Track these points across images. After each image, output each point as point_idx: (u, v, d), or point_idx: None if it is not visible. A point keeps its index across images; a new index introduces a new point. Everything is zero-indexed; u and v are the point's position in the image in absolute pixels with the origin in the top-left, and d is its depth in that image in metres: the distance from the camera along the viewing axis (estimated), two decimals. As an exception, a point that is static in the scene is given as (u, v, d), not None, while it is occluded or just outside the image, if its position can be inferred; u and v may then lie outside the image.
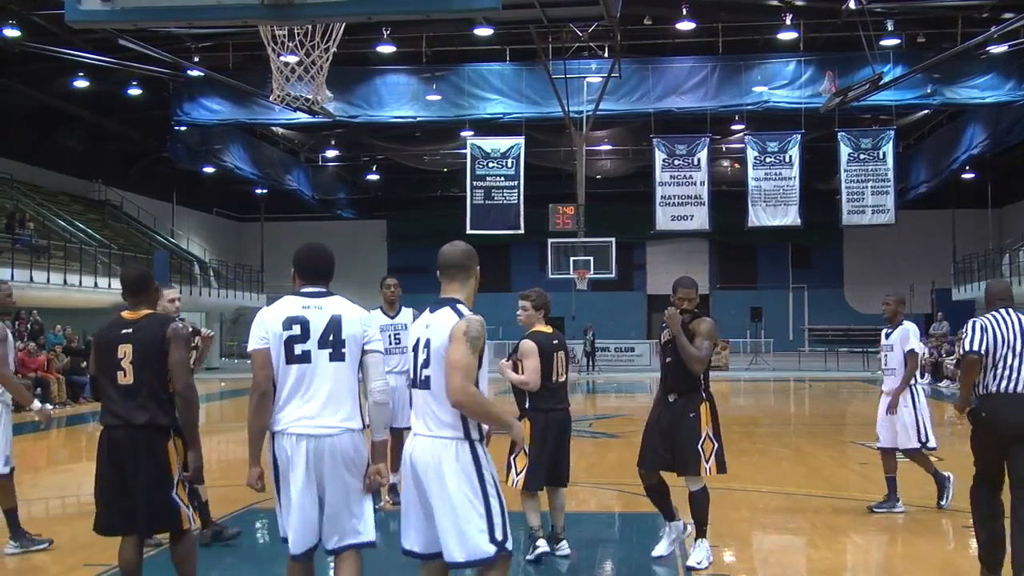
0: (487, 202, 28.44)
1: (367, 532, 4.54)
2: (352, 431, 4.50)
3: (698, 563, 6.37)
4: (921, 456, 8.37)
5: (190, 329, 6.82)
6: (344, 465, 4.46)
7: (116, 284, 27.66)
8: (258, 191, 42.13)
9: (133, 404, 5.02)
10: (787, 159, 28.25)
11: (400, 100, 28.94)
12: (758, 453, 12.74)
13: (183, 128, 30.57)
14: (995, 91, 27.00)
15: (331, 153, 39.80)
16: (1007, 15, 22.73)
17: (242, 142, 34.39)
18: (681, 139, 29.05)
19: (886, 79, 23.84)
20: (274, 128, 34.01)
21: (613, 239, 29.11)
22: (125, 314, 5.26)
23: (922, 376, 26.83)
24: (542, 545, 6.55)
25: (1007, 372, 5.72)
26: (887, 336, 8.44)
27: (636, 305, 44.51)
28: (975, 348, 5.77)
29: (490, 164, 28.47)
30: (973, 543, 6.08)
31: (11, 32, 23.33)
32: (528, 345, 6.47)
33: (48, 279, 24.62)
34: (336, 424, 4.46)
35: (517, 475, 6.48)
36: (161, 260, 28.62)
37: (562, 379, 6.74)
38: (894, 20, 25.02)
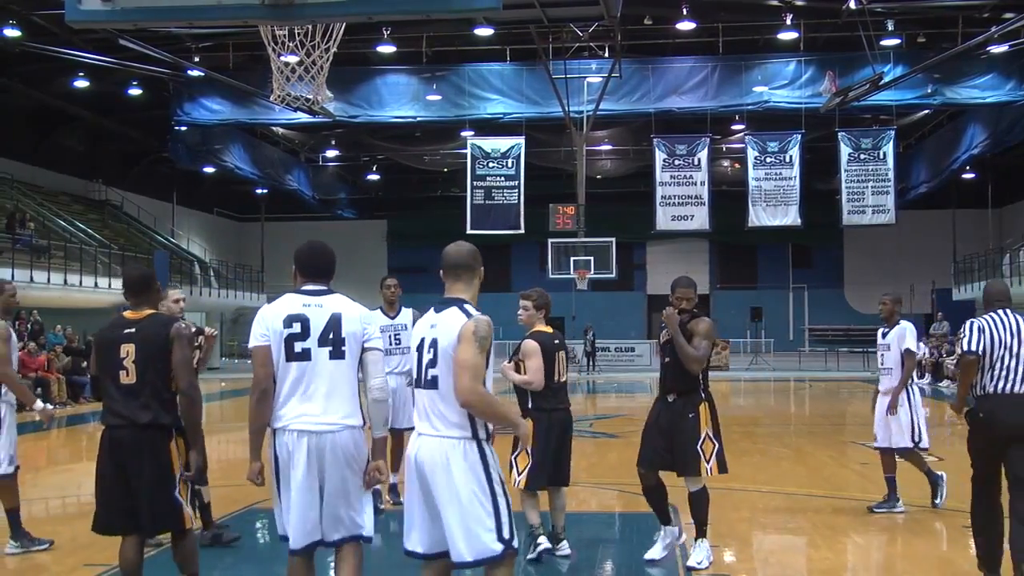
0: (487, 202, 28.44)
1: (366, 526, 4.58)
2: (352, 428, 4.53)
3: (698, 563, 6.37)
4: (914, 455, 8.37)
5: (193, 329, 6.84)
6: (345, 461, 4.48)
7: (116, 284, 27.71)
8: (258, 191, 42.13)
9: (136, 404, 5.03)
10: (787, 159, 28.25)
11: (400, 100, 28.94)
12: (758, 453, 12.74)
13: (183, 128, 30.57)
14: (995, 91, 27.00)
15: (331, 153, 39.81)
16: (1007, 15, 22.72)
17: (242, 142, 34.40)
18: (681, 139, 29.05)
19: (886, 79, 23.84)
20: (274, 128, 34.02)
21: (613, 239, 29.11)
22: (127, 314, 5.26)
23: (922, 376, 26.77)
24: (543, 542, 6.56)
25: (1004, 373, 5.74)
26: (884, 336, 8.45)
27: (636, 305, 44.52)
28: (972, 349, 5.80)
29: (490, 164, 28.47)
30: (972, 543, 6.09)
31: (11, 32, 23.33)
32: (531, 345, 6.47)
33: (48, 279, 24.62)
34: (337, 421, 4.48)
35: (519, 475, 6.49)
36: (161, 260, 28.61)
37: (563, 379, 6.77)
38: (894, 20, 25.01)
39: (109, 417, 5.10)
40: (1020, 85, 26.58)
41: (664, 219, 28.79)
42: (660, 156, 28.61)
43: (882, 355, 8.43)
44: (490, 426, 4.27)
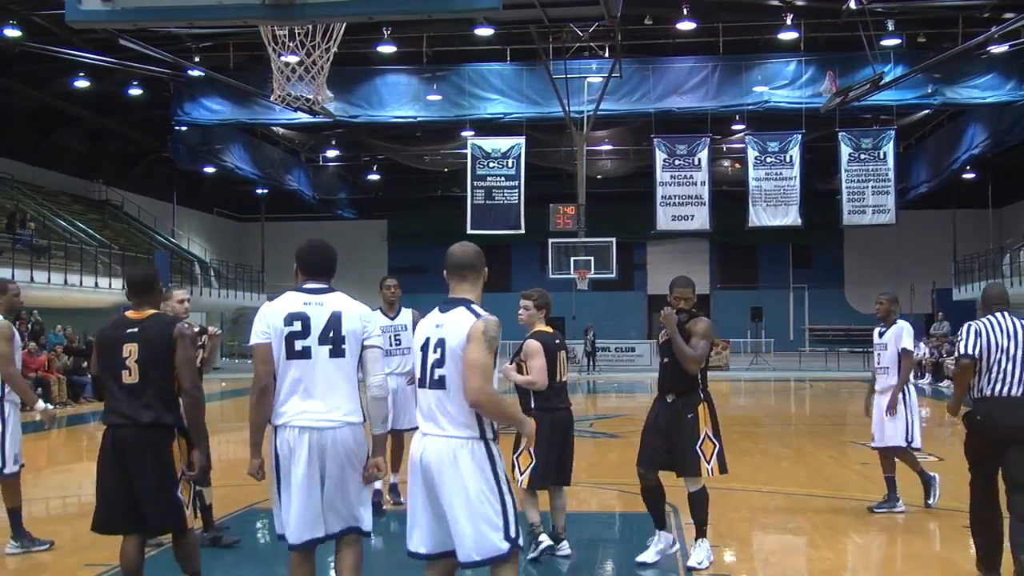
0: (488, 202, 28.44)
1: (365, 520, 4.63)
2: (353, 424, 4.57)
3: (699, 563, 6.37)
4: (907, 454, 8.36)
5: (196, 329, 6.85)
6: (346, 456, 4.53)
7: (116, 284, 27.74)
8: (259, 191, 42.14)
9: (138, 403, 5.03)
10: (788, 159, 28.24)
11: (401, 100, 28.94)
12: (759, 453, 12.74)
13: (184, 128, 30.56)
14: (996, 91, 26.99)
15: (332, 153, 39.81)
16: (1008, 15, 22.72)
17: (243, 142, 34.39)
18: (682, 139, 29.04)
19: (887, 79, 23.84)
20: (275, 128, 34.01)
21: (614, 239, 29.12)
22: (130, 314, 5.27)
23: (922, 376, 26.78)
24: (545, 539, 6.57)
25: (1001, 376, 5.78)
26: (880, 335, 8.46)
27: (636, 305, 44.51)
28: (968, 352, 5.85)
29: (491, 164, 28.47)
30: (972, 543, 6.11)
31: (11, 32, 23.32)
32: (533, 345, 6.47)
33: (49, 279, 24.62)
34: (338, 418, 4.53)
35: (521, 474, 6.49)
36: (161, 260, 28.63)
37: (564, 378, 6.79)
38: (895, 20, 25.00)
39: (111, 416, 5.11)
40: (1020, 85, 26.57)
41: (664, 219, 28.79)
42: (660, 156, 28.60)
43: (879, 354, 8.44)
44: (496, 426, 4.29)
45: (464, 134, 30.44)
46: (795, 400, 24.77)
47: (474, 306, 4.29)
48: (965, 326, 6.02)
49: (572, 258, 28.63)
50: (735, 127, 31.83)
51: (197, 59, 26.30)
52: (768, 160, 28.40)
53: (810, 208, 29.25)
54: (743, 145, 29.91)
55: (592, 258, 28.61)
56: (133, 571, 5.15)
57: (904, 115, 30.70)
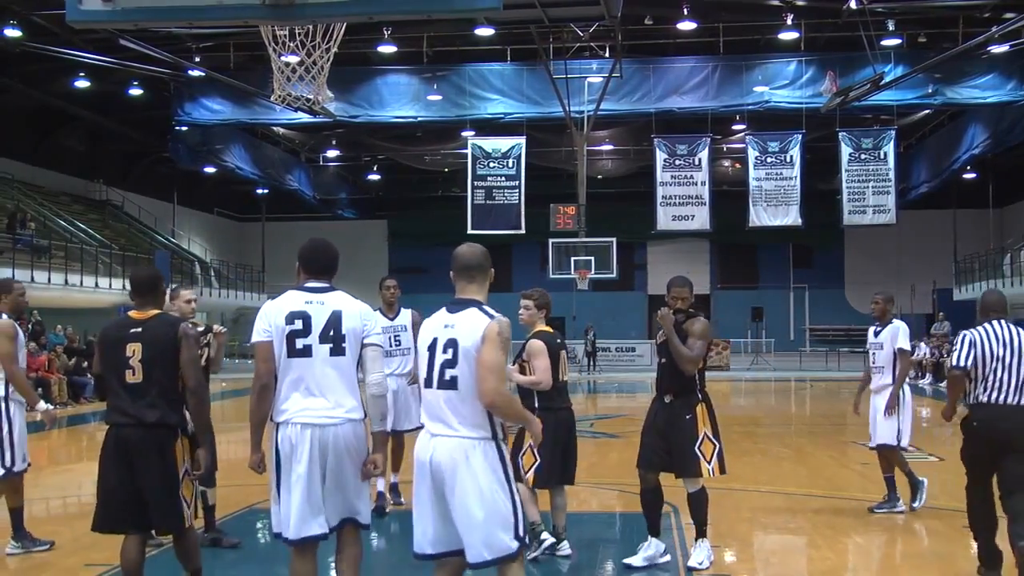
0: (488, 202, 28.44)
1: (364, 513, 4.68)
2: (354, 421, 4.61)
3: (699, 563, 6.36)
4: (896, 454, 8.36)
5: (201, 328, 6.88)
6: (347, 452, 4.57)
7: (117, 284, 27.76)
8: (259, 191, 42.13)
9: (142, 403, 5.04)
10: (788, 159, 28.23)
11: (401, 100, 28.93)
12: (759, 453, 12.74)
13: (184, 128, 30.57)
14: (996, 91, 26.97)
15: (332, 153, 39.79)
16: (1008, 15, 22.70)
17: (243, 142, 34.39)
18: (682, 139, 29.03)
19: (887, 79, 23.82)
20: (275, 128, 33.99)
21: (614, 239, 29.13)
22: (133, 314, 5.28)
23: (923, 376, 26.77)
24: (548, 537, 6.58)
25: (997, 384, 5.85)
26: (876, 334, 8.44)
27: (637, 305, 44.48)
28: (960, 364, 5.94)
29: (491, 164, 28.46)
30: (972, 543, 6.13)
31: (12, 32, 23.32)
32: (537, 345, 6.47)
33: (49, 279, 24.64)
34: (340, 415, 4.56)
35: (525, 473, 6.49)
36: (162, 260, 28.64)
37: (565, 378, 6.80)
38: (895, 20, 24.99)
39: (115, 416, 5.12)
40: (1021, 85, 26.55)
41: (665, 219, 28.78)
42: (661, 156, 28.59)
43: (874, 354, 8.43)
44: (505, 425, 4.30)
45: (464, 134, 30.44)
46: (795, 400, 24.78)
47: (486, 307, 4.30)
48: (961, 335, 6.09)
49: (572, 258, 28.63)
50: (735, 127, 31.81)
51: (197, 59, 26.29)
52: (768, 160, 28.39)
53: (810, 208, 29.23)
54: (743, 145, 29.89)
55: (592, 258, 28.62)
56: (134, 571, 5.15)
57: (904, 115, 30.68)
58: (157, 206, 39.27)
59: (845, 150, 28.31)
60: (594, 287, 31.16)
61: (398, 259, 45.32)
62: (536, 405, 6.48)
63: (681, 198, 28.55)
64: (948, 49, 24.46)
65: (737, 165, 35.60)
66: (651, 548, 6.52)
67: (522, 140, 28.61)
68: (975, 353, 5.88)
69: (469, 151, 28.79)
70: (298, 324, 4.58)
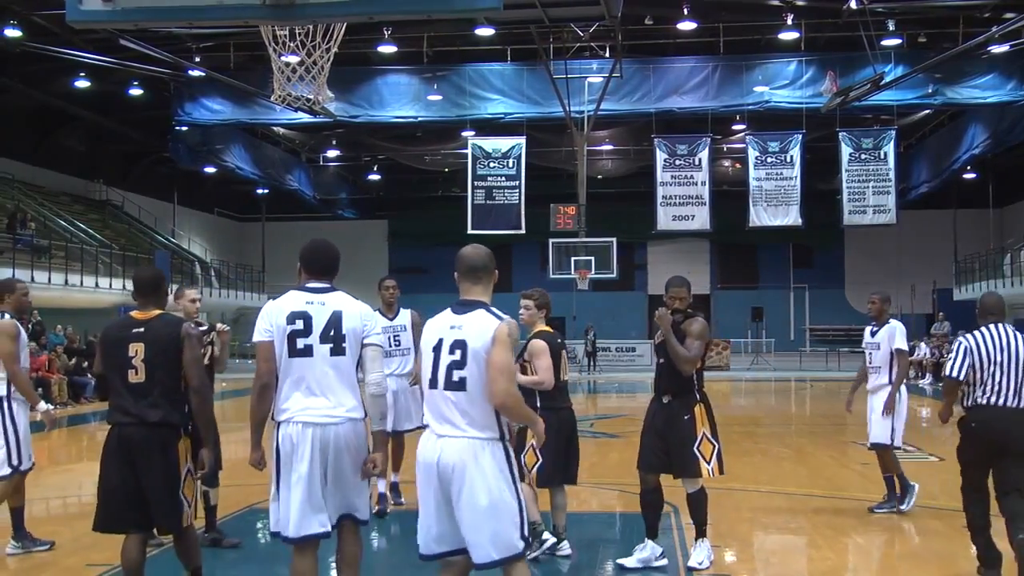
0: (488, 202, 28.43)
1: (362, 510, 4.73)
2: (355, 420, 4.65)
3: (699, 563, 6.36)
4: (889, 454, 8.35)
5: (205, 327, 6.91)
6: (347, 451, 4.61)
7: (117, 284, 27.77)
8: (259, 191, 42.14)
9: (145, 402, 5.06)
10: (788, 159, 28.23)
11: (401, 100, 28.93)
12: (759, 453, 12.74)
13: (184, 128, 30.58)
14: (996, 91, 26.97)
15: (332, 153, 39.80)
16: (1008, 15, 22.70)
17: (243, 142, 34.39)
18: (682, 139, 29.03)
19: (887, 79, 23.81)
20: (275, 128, 34.00)
21: (614, 239, 29.14)
22: (135, 314, 5.29)
23: (923, 376, 26.73)
24: (549, 537, 6.58)
25: (995, 387, 5.92)
26: (873, 334, 8.45)
27: (637, 305, 44.48)
28: (954, 375, 6.03)
29: (491, 164, 28.46)
30: (972, 544, 6.14)
31: (12, 32, 23.32)
32: (539, 345, 6.47)
33: (49, 279, 24.63)
34: (341, 414, 4.60)
35: (528, 473, 6.49)
36: (162, 260, 28.63)
37: (566, 378, 6.82)
38: (895, 20, 24.99)
39: (117, 415, 5.12)
40: (1021, 85, 26.55)
41: (665, 219, 28.78)
42: (661, 156, 28.59)
43: (870, 353, 8.43)
44: (513, 426, 4.31)
45: (465, 134, 30.44)
46: (796, 400, 24.77)
47: (493, 309, 4.32)
48: (957, 342, 6.17)
49: (573, 258, 28.64)
50: (736, 127, 31.82)
51: (197, 59, 26.29)
52: (769, 160, 28.38)
53: (811, 208, 29.24)
54: (744, 145, 29.89)
55: (593, 258, 28.63)
56: (134, 570, 5.16)
57: (905, 115, 30.68)
58: (157, 206, 39.27)
59: (845, 150, 28.31)
60: (594, 287, 31.16)
61: (398, 259, 45.33)
62: (538, 405, 6.48)
63: (681, 198, 28.55)
64: (948, 49, 24.46)
65: (737, 165, 35.60)
66: (647, 550, 6.50)
67: (522, 140, 28.61)
68: (971, 360, 5.95)
69: (469, 151, 28.79)
70: (299, 324, 4.62)
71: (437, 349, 4.29)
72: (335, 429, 4.57)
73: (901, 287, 36.92)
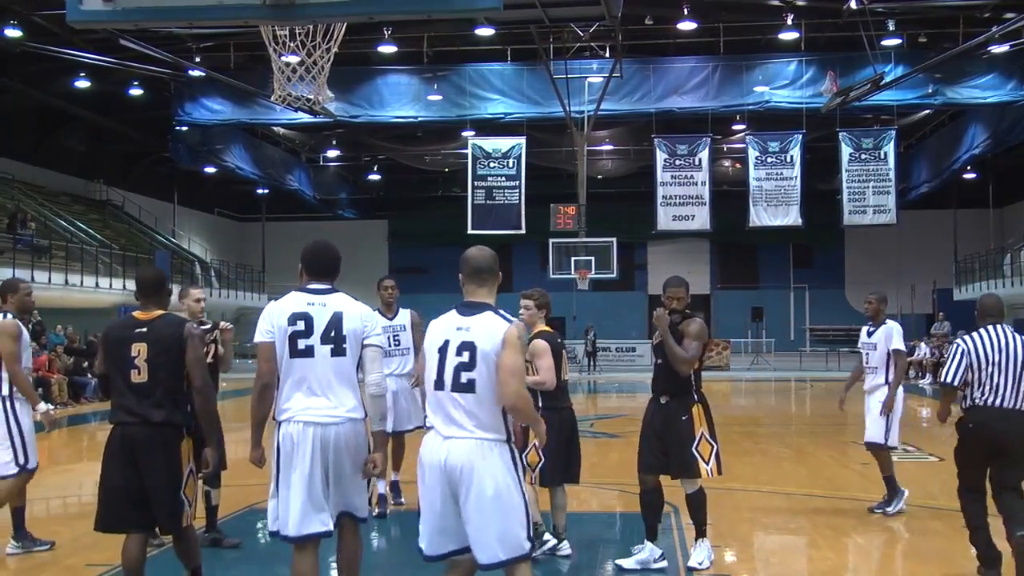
0: (488, 202, 28.43)
1: (360, 508, 4.78)
2: (355, 420, 4.69)
3: (699, 563, 6.36)
4: (882, 454, 8.34)
5: (208, 325, 6.93)
6: (347, 450, 4.64)
7: (117, 284, 27.77)
8: (259, 191, 42.13)
9: (148, 402, 5.07)
10: (788, 159, 28.23)
11: (401, 100, 28.93)
12: (759, 453, 12.74)
13: (184, 128, 30.58)
14: (996, 91, 26.97)
15: (332, 153, 39.80)
16: (1008, 15, 22.70)
17: (243, 142, 34.39)
18: (682, 139, 29.03)
19: (887, 79, 23.81)
20: (275, 128, 34.00)
21: (614, 239, 29.15)
22: (137, 314, 5.31)
23: (923, 376, 26.66)
24: (549, 538, 6.58)
25: (992, 387, 5.97)
26: (869, 335, 8.45)
27: (637, 305, 44.49)
28: (949, 381, 6.09)
29: (491, 164, 28.46)
30: (971, 544, 6.16)
31: (12, 32, 23.33)
32: (541, 345, 6.47)
33: (49, 279, 24.63)
34: (341, 414, 4.64)
35: (532, 472, 6.49)
36: (162, 260, 28.63)
37: (566, 377, 6.83)
38: (895, 20, 24.99)
39: (121, 414, 5.13)
40: (1021, 85, 26.55)
41: (665, 219, 28.77)
42: (661, 156, 28.59)
43: (867, 354, 8.44)
44: (519, 427, 4.33)
45: (465, 134, 30.44)
46: (796, 400, 24.77)
47: (501, 311, 4.33)
48: (954, 345, 6.23)
49: (573, 258, 28.65)
50: (736, 127, 31.82)
51: (198, 59, 26.29)
52: (769, 160, 28.38)
53: (811, 208, 29.24)
54: (744, 145, 29.89)
55: (593, 258, 28.64)
56: (135, 570, 5.17)
57: (905, 115, 30.68)
58: (157, 206, 39.27)
59: (845, 150, 28.30)
60: (594, 287, 31.16)
61: (398, 259, 45.32)
62: (539, 405, 6.49)
63: (681, 198, 28.54)
64: (948, 49, 24.46)
65: (737, 165, 35.59)
66: (645, 552, 6.50)
67: (522, 140, 28.61)
68: (967, 362, 6.01)
69: (469, 151, 28.78)
70: (300, 325, 4.66)
71: (443, 351, 4.28)
72: (336, 429, 4.61)
73: (901, 287, 36.92)
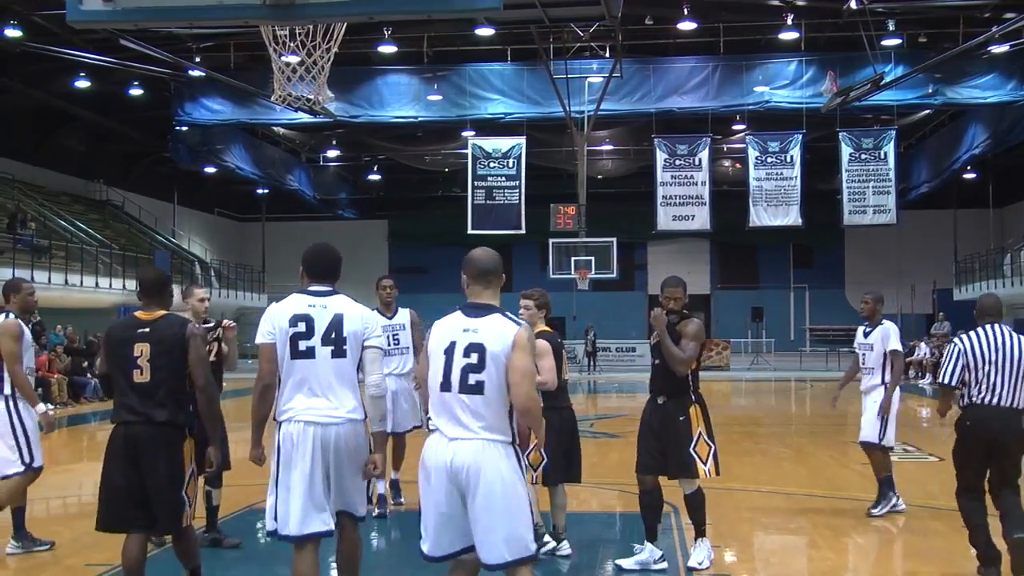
0: (488, 202, 28.43)
1: (359, 508, 4.83)
2: (355, 421, 4.73)
3: (699, 563, 6.36)
4: (875, 454, 8.33)
5: (211, 323, 6.94)
6: (347, 451, 4.68)
7: (117, 284, 27.77)
8: (259, 191, 42.12)
9: (151, 402, 5.10)
10: (788, 159, 28.22)
11: (401, 100, 28.93)
12: (759, 453, 12.74)
13: (184, 128, 30.58)
14: (996, 91, 26.97)
15: (332, 153, 39.79)
16: (1008, 15, 22.70)
17: (243, 142, 34.38)
18: (682, 139, 29.02)
19: (887, 79, 23.81)
20: (275, 128, 33.99)
21: (614, 239, 29.14)
22: (139, 314, 5.33)
23: (923, 376, 26.64)
24: (549, 541, 6.59)
25: (989, 386, 6.03)
26: (866, 335, 8.44)
27: (637, 305, 44.46)
28: (946, 382, 6.17)
29: (491, 164, 28.46)
30: (971, 543, 6.17)
31: (12, 32, 23.32)
32: (543, 345, 6.46)
33: (49, 279, 24.61)
34: (342, 415, 4.69)
35: (534, 471, 6.49)
36: (162, 260, 28.62)
37: (566, 377, 6.86)
38: (895, 20, 24.98)
39: (124, 413, 5.15)
40: (1021, 85, 26.54)
41: (665, 219, 28.77)
42: (661, 156, 28.58)
43: (863, 355, 8.42)
44: (524, 428, 4.33)
45: (465, 134, 30.43)
46: (796, 400, 24.77)
47: (508, 313, 4.34)
48: (951, 345, 6.30)
49: (573, 258, 28.65)
50: (736, 127, 31.81)
51: (198, 59, 26.28)
52: (769, 160, 28.38)
53: (811, 208, 29.23)
54: (744, 145, 29.88)
55: (593, 258, 28.64)
56: (135, 569, 5.17)
57: (905, 115, 30.67)
58: (157, 206, 39.27)
59: (845, 150, 28.30)
60: (594, 287, 31.17)
61: (398, 259, 45.32)
62: (541, 404, 6.49)
63: (681, 198, 28.54)
64: (948, 49, 24.46)
65: (737, 165, 35.59)
66: (645, 552, 6.50)
67: (522, 140, 28.60)
68: (964, 361, 6.07)
69: (469, 151, 28.78)
70: (301, 327, 4.72)
71: (450, 352, 4.25)
72: (336, 429, 4.65)
73: (901, 287, 36.92)
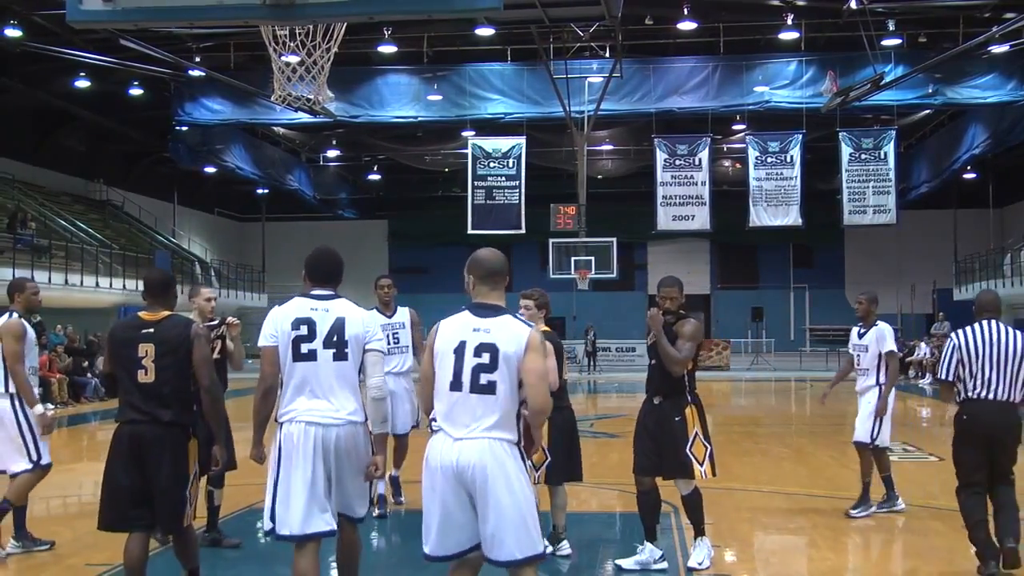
0: (488, 202, 28.44)
1: (359, 510, 4.86)
2: (356, 423, 4.76)
3: (699, 563, 6.36)
4: (868, 454, 8.33)
5: (215, 321, 6.95)
6: (347, 453, 4.72)
7: (117, 284, 27.75)
8: (259, 191, 42.11)
9: (155, 402, 5.12)
10: (788, 159, 28.23)
11: (401, 100, 28.93)
12: (759, 453, 12.74)
13: (184, 128, 30.57)
14: (996, 91, 26.96)
15: (332, 153, 39.79)
16: (1008, 15, 22.70)
17: (243, 142, 34.38)
18: (682, 139, 29.03)
19: (887, 79, 23.80)
20: (275, 128, 33.98)
21: (614, 239, 29.14)
22: (143, 315, 5.35)
23: (923, 376, 26.59)
24: (547, 544, 6.57)
25: (984, 381, 6.11)
26: (860, 336, 8.47)
27: (637, 305, 44.30)
28: (942, 376, 6.29)
29: (491, 164, 28.46)
30: (971, 542, 6.18)
31: (12, 32, 23.31)
32: (546, 345, 6.48)
33: (49, 279, 24.58)
34: (343, 417, 4.72)
35: (536, 471, 6.50)
36: (162, 260, 28.63)
37: (566, 377, 6.89)
38: (895, 20, 24.97)
39: (129, 412, 5.17)
40: (1021, 85, 26.54)
41: (665, 219, 28.77)
42: (661, 156, 28.59)
43: (858, 356, 8.44)
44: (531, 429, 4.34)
45: (465, 134, 30.44)
46: (796, 400, 24.77)
47: (518, 315, 4.38)
48: (948, 341, 6.37)
49: (573, 258, 28.65)
50: (736, 127, 31.82)
51: (198, 59, 26.28)
52: (769, 160, 28.38)
53: (811, 208, 29.23)
54: (744, 145, 29.89)
55: (593, 258, 28.64)
56: (137, 569, 5.18)
57: (905, 115, 30.67)
58: (157, 206, 39.26)
59: (845, 150, 28.31)
60: (594, 287, 31.16)
61: (398, 259, 45.30)
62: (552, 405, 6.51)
63: (681, 198, 28.54)
64: (948, 49, 24.45)
65: (737, 165, 35.59)
66: (645, 553, 6.50)
67: (522, 140, 28.61)
68: (959, 356, 6.16)
69: (469, 151, 28.78)
70: (303, 330, 4.77)
71: (459, 352, 4.24)
72: (336, 431, 4.69)
73: (901, 287, 36.93)
